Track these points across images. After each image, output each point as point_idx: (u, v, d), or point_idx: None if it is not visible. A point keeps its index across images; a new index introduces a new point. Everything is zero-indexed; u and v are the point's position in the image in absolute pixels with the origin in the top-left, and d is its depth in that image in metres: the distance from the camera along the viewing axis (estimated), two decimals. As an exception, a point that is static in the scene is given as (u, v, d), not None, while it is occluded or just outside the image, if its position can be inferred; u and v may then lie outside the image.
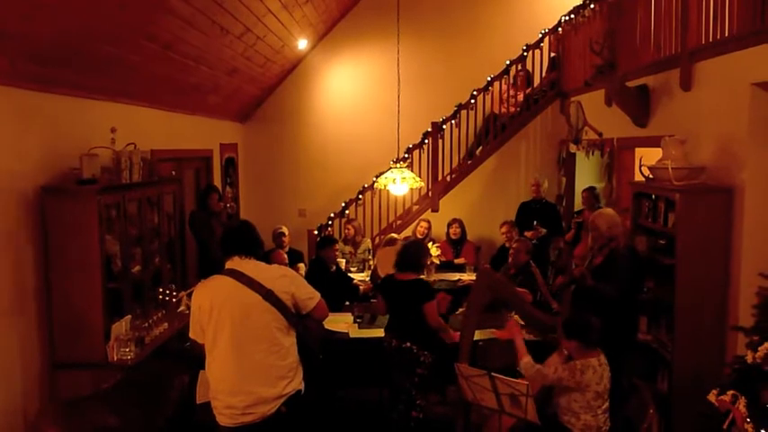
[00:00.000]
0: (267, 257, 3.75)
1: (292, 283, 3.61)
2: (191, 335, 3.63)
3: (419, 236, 8.16)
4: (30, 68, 4.21)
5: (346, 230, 8.34)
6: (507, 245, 7.17)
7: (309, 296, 3.65)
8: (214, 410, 3.57)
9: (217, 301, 3.49)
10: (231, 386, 3.48)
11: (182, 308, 4.07)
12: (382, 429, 5.24)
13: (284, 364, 3.54)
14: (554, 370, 3.99)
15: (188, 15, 5.33)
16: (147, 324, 5.03)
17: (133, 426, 4.10)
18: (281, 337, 3.53)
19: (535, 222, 7.80)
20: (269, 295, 3.47)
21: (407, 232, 8.60)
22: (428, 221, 8.40)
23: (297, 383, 3.61)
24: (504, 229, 7.58)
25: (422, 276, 5.22)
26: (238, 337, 3.46)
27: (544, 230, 7.78)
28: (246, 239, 3.68)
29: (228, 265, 3.59)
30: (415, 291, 4.95)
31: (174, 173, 6.29)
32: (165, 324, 5.25)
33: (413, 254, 5.09)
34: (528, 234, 7.57)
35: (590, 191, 7.37)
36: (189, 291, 4.06)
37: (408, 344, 4.82)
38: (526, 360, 4.21)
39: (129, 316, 4.85)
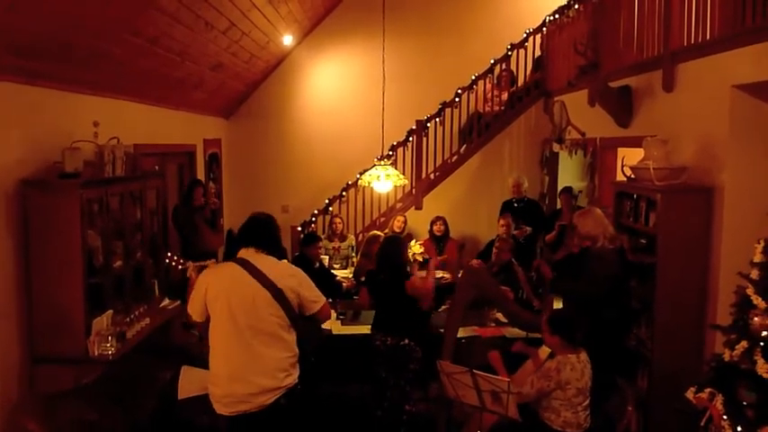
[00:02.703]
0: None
1: (300, 284, 3.67)
2: (188, 309, 3.68)
3: (396, 230, 8.17)
4: (12, 60, 4.17)
5: (334, 225, 8.32)
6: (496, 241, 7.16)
7: (315, 299, 3.72)
8: (212, 398, 3.60)
9: (224, 287, 3.56)
10: (232, 373, 3.53)
11: (189, 273, 3.96)
12: (366, 425, 5.25)
13: (284, 356, 3.60)
14: (530, 385, 3.99)
15: (173, 10, 5.30)
16: (128, 319, 5.01)
17: (113, 421, 4.09)
18: (283, 332, 3.60)
19: (521, 223, 7.82)
20: (277, 293, 3.54)
21: (388, 230, 8.60)
22: (404, 216, 8.40)
23: (294, 378, 3.67)
24: (502, 222, 7.54)
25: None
26: (242, 326, 3.51)
27: (529, 229, 7.80)
28: (266, 235, 3.75)
29: (242, 254, 3.65)
30: (394, 284, 4.96)
31: (157, 168, 6.25)
32: (147, 319, 5.23)
33: (391, 253, 5.08)
34: (515, 233, 7.59)
35: (568, 192, 7.38)
36: (199, 264, 4.00)
37: (406, 341, 4.83)
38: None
39: (111, 311, 4.82)
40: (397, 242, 5.28)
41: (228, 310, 3.52)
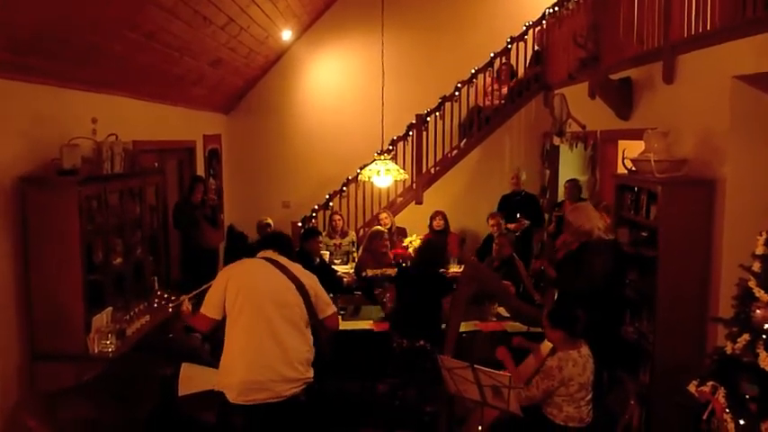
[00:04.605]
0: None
1: (316, 284, 3.87)
2: (207, 313, 3.73)
3: (384, 227, 8.14)
4: (9, 57, 4.15)
5: (334, 222, 8.30)
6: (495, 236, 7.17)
7: (328, 302, 3.91)
8: (226, 389, 3.63)
9: (248, 279, 3.70)
10: (252, 359, 3.60)
11: (184, 307, 4.03)
12: (369, 419, 5.24)
13: (304, 349, 3.73)
14: (536, 387, 3.96)
15: (170, 5, 5.28)
16: (128, 316, 5.01)
17: (113, 418, 4.08)
18: (303, 326, 3.74)
19: (518, 215, 7.82)
20: (300, 286, 3.71)
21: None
22: (387, 212, 8.29)
23: (311, 374, 3.77)
24: (492, 222, 7.57)
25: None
26: (269, 315, 3.63)
27: (527, 222, 7.81)
28: (288, 244, 4.00)
29: (262, 254, 3.83)
30: (427, 286, 4.95)
31: (156, 164, 6.23)
32: (147, 316, 5.22)
33: (430, 260, 5.16)
34: (511, 226, 7.60)
35: (573, 182, 7.40)
36: (191, 294, 4.12)
37: (422, 342, 4.81)
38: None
39: (111, 308, 4.82)
40: (437, 251, 5.37)
41: (254, 301, 3.63)
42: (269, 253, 3.83)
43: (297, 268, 3.81)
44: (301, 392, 3.68)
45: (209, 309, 3.71)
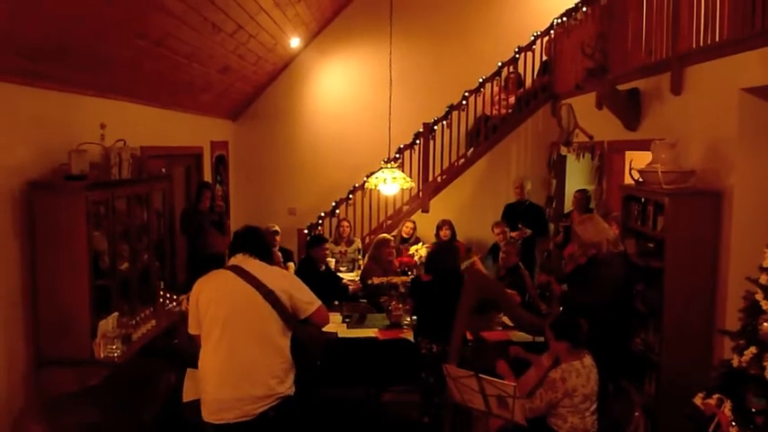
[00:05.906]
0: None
1: (291, 285, 3.69)
2: (190, 330, 3.68)
3: (405, 236, 8.16)
4: (17, 63, 4.17)
5: (341, 229, 8.31)
6: (501, 245, 7.18)
7: (308, 301, 3.69)
8: (202, 405, 3.58)
9: (216, 293, 3.57)
10: (220, 378, 3.50)
11: (183, 307, 4.03)
12: (374, 427, 5.22)
13: (276, 362, 3.57)
14: (540, 399, 3.95)
15: (179, 12, 5.31)
16: (134, 321, 5.01)
17: (119, 423, 4.09)
18: (277, 336, 3.58)
19: (520, 225, 7.83)
20: (269, 294, 3.53)
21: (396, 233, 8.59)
22: (413, 222, 8.38)
23: (287, 387, 3.61)
24: (497, 230, 7.58)
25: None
26: (233, 330, 3.50)
27: (529, 231, 7.83)
28: (256, 241, 3.77)
29: (232, 261, 3.68)
30: (444, 289, 4.92)
31: (163, 170, 6.25)
32: (153, 321, 5.23)
33: (444, 259, 5.12)
34: (513, 235, 7.60)
35: (582, 192, 7.40)
36: (188, 294, 4.11)
37: None
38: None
39: (117, 313, 4.82)
40: (450, 250, 5.32)
41: (220, 317, 3.51)
42: (239, 258, 3.65)
43: (267, 273, 3.62)
44: (271, 409, 3.52)
45: (192, 326, 3.66)
